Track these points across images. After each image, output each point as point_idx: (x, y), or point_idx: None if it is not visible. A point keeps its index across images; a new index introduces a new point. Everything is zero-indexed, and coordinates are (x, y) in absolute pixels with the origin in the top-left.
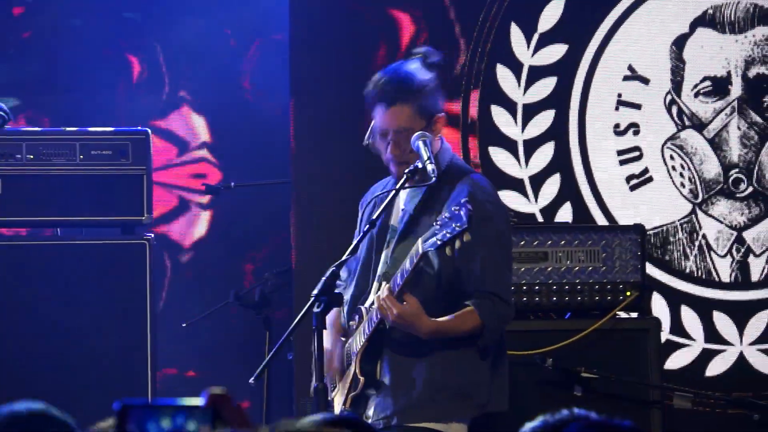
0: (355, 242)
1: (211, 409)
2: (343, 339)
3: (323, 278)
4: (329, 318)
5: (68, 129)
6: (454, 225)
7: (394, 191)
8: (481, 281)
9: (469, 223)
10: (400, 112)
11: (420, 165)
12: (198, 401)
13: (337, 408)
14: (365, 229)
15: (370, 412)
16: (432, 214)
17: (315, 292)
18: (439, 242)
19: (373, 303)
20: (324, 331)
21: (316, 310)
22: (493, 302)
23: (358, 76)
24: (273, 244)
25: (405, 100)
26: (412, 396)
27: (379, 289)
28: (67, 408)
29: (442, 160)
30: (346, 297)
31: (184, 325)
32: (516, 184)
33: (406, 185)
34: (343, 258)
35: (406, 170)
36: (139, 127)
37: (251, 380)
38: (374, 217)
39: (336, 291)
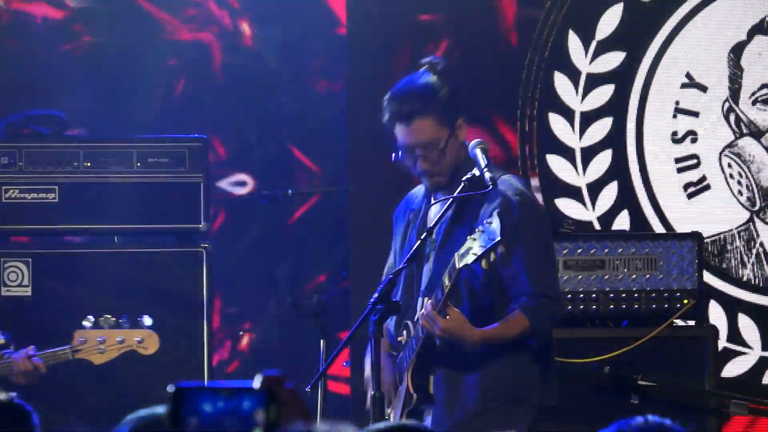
0: (412, 250)
1: (266, 391)
2: (393, 354)
3: (380, 286)
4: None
5: (126, 136)
6: (488, 238)
7: (451, 199)
8: (525, 283)
9: (502, 235)
10: (421, 125)
11: (477, 173)
12: (254, 383)
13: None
14: (423, 237)
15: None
16: (465, 223)
17: (372, 299)
18: (474, 257)
19: (418, 318)
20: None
21: (373, 317)
22: (541, 302)
23: None
24: (331, 253)
25: (424, 113)
26: (467, 408)
27: (422, 304)
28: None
29: (465, 165)
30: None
31: (240, 333)
32: (573, 192)
33: (464, 193)
34: (400, 266)
35: (464, 179)
36: (196, 134)
37: (307, 388)
38: (430, 225)
39: (393, 299)
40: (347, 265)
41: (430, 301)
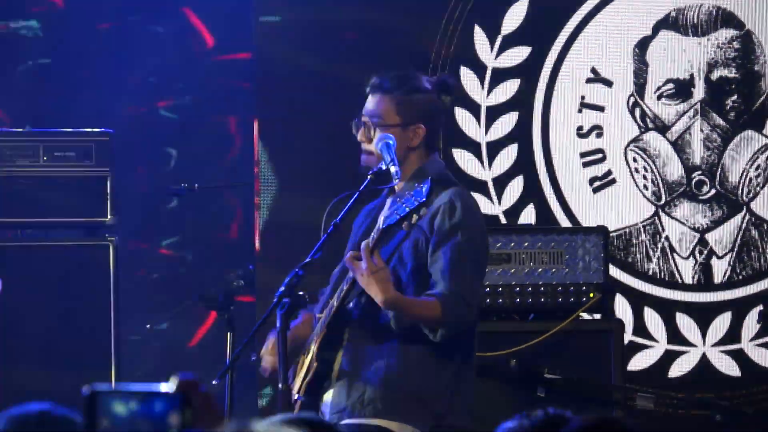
0: (318, 243)
1: (180, 394)
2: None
3: (287, 279)
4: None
5: (32, 130)
6: (413, 199)
7: (357, 193)
8: (447, 281)
9: (427, 198)
10: (381, 101)
11: (384, 167)
12: (167, 387)
13: (294, 395)
14: (331, 231)
15: (326, 405)
16: (414, 222)
17: (278, 293)
18: (397, 216)
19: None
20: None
21: (279, 311)
22: (456, 302)
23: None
24: (237, 244)
25: (390, 92)
26: (367, 390)
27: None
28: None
29: (429, 171)
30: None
31: (148, 327)
32: (479, 186)
33: (371, 186)
34: (306, 259)
35: (369, 172)
36: (103, 129)
37: (214, 381)
38: (338, 219)
39: (300, 293)
40: (254, 257)
41: (366, 241)
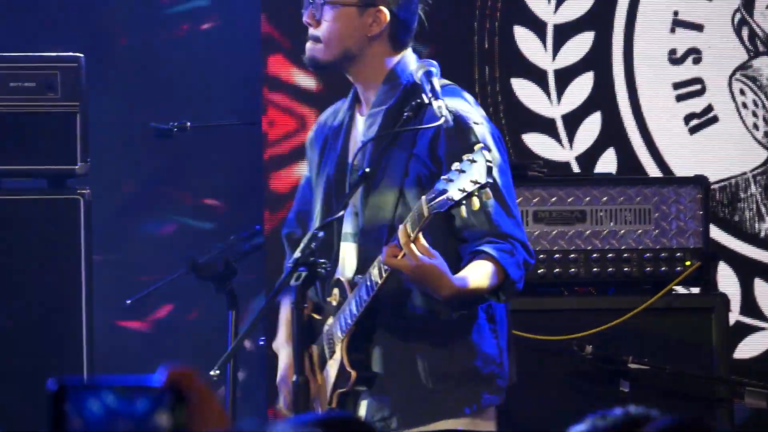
0: (343, 197)
1: (171, 389)
2: (317, 317)
3: (302, 243)
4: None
5: None
6: (469, 180)
7: (392, 134)
8: (487, 224)
9: (489, 177)
10: None
11: (426, 99)
12: (154, 380)
13: (322, 407)
14: (356, 183)
15: (362, 412)
16: (406, 148)
17: (292, 260)
18: (451, 202)
19: (356, 274)
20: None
21: (294, 283)
22: (512, 245)
23: None
24: (240, 200)
25: None
26: (413, 391)
27: (360, 258)
28: None
29: (396, 75)
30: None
31: (128, 302)
32: (545, 125)
33: (409, 126)
34: (327, 219)
35: (406, 110)
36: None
37: (212, 372)
38: (366, 168)
39: (320, 260)
40: (261, 216)
41: (405, 225)
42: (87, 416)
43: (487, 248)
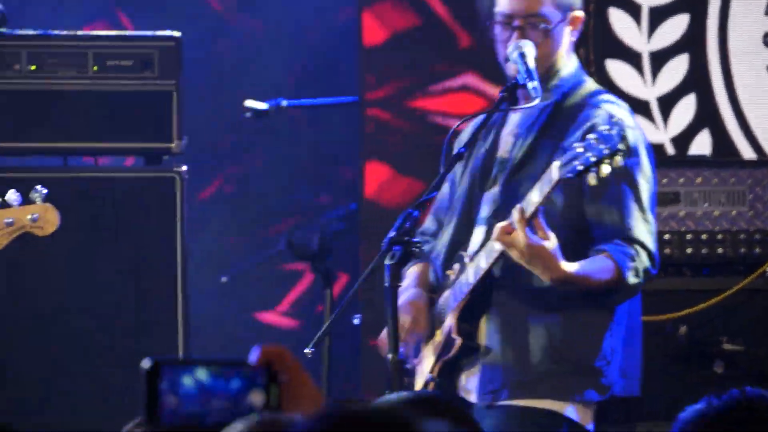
0: (437, 178)
1: (264, 368)
2: (434, 296)
3: (397, 222)
4: (412, 275)
5: (79, 33)
6: (602, 147)
7: (486, 113)
8: (620, 225)
9: (621, 144)
10: None
11: (520, 81)
12: (248, 359)
13: (421, 377)
14: (452, 161)
15: (471, 383)
16: (555, 141)
17: (387, 239)
18: (581, 167)
19: (478, 250)
20: (403, 286)
21: (389, 262)
22: (637, 252)
23: None
24: (337, 180)
25: None
26: (527, 366)
27: (486, 237)
28: (86, 361)
29: (567, 74)
30: (440, 247)
31: (224, 279)
32: (640, 107)
33: (504, 107)
34: (423, 198)
35: (501, 90)
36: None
37: (307, 350)
38: (463, 145)
39: (415, 239)
40: (357, 194)
41: (519, 207)
42: (181, 394)
43: (609, 247)
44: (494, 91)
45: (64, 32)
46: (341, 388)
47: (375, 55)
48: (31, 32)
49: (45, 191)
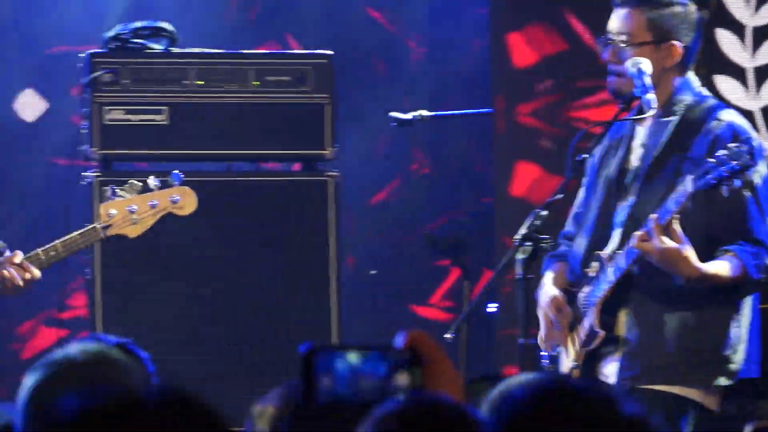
0: (563, 182)
1: (408, 351)
2: (572, 290)
3: (528, 220)
4: (550, 277)
5: (242, 52)
6: (733, 162)
7: (607, 124)
8: (744, 227)
9: (749, 159)
10: (630, 15)
11: (636, 94)
12: (393, 342)
13: (566, 366)
14: (575, 166)
15: (610, 369)
16: (682, 152)
17: (519, 236)
18: (714, 181)
19: (615, 251)
20: (542, 288)
21: (521, 256)
22: (759, 251)
23: None
24: (471, 182)
25: (641, 5)
26: (662, 355)
27: (622, 239)
28: (242, 352)
29: (681, 93)
30: (579, 248)
31: (373, 272)
32: (745, 117)
33: (622, 117)
34: (550, 198)
35: (620, 102)
36: (322, 50)
37: (447, 335)
38: (639, 152)
39: (543, 236)
40: (492, 192)
41: (655, 216)
42: (335, 375)
43: (734, 248)
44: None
45: (228, 51)
46: (477, 371)
47: (524, 73)
48: (198, 50)
49: (182, 175)
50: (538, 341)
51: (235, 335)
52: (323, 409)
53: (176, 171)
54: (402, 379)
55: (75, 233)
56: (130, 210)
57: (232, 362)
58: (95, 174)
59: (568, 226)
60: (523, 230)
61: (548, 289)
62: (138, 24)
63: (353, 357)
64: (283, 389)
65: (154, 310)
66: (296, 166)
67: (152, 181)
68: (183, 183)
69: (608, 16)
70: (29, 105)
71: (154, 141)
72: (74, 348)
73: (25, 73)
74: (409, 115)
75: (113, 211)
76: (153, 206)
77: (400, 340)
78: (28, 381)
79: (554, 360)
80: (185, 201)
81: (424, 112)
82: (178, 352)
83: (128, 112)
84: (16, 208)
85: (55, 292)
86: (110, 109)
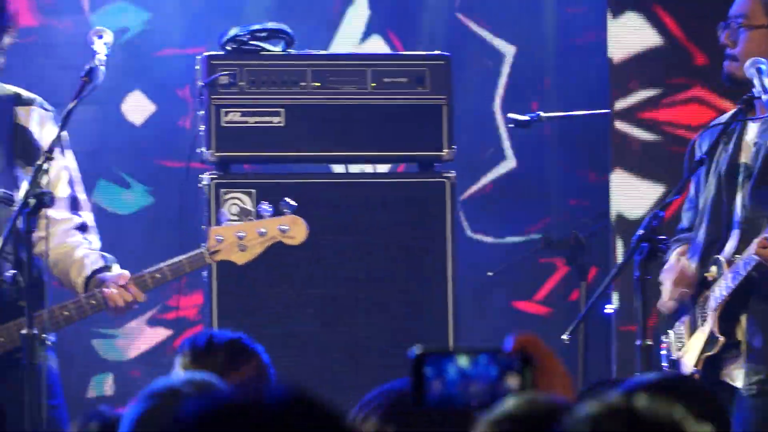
0: (681, 182)
1: (519, 353)
2: (687, 292)
3: (645, 221)
4: (675, 252)
5: (359, 53)
6: None
7: (724, 124)
8: None
9: None
10: None
11: (755, 94)
12: (504, 345)
13: (686, 369)
14: (694, 166)
15: (736, 376)
16: None
17: (636, 236)
18: None
19: (735, 254)
20: (668, 261)
21: (638, 257)
22: None
23: None
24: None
25: None
26: None
27: (740, 242)
28: (359, 355)
29: None
30: (695, 245)
31: (489, 274)
32: None
33: (741, 117)
34: (668, 199)
35: (738, 102)
36: (439, 52)
37: (564, 337)
38: (704, 152)
39: (660, 237)
40: (607, 193)
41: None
42: (445, 379)
43: None
44: (719, 102)
45: (345, 52)
46: (595, 372)
47: (621, 70)
48: (315, 52)
49: (294, 204)
50: (658, 305)
51: (350, 337)
52: (434, 411)
53: (287, 199)
54: (513, 381)
55: (183, 258)
56: (238, 236)
57: (348, 365)
58: (212, 176)
59: (683, 222)
60: (640, 231)
61: (673, 257)
62: (255, 26)
63: (463, 361)
64: (391, 391)
65: (268, 312)
66: (399, 168)
67: (264, 206)
68: (294, 211)
69: (699, 12)
70: (137, 107)
71: (270, 143)
72: (178, 379)
73: (133, 76)
74: (526, 116)
75: (221, 237)
76: (262, 234)
77: (510, 343)
78: (132, 412)
79: (674, 364)
80: (295, 230)
81: (542, 113)
82: (293, 354)
83: (245, 114)
84: None
85: (158, 292)
86: (227, 112)
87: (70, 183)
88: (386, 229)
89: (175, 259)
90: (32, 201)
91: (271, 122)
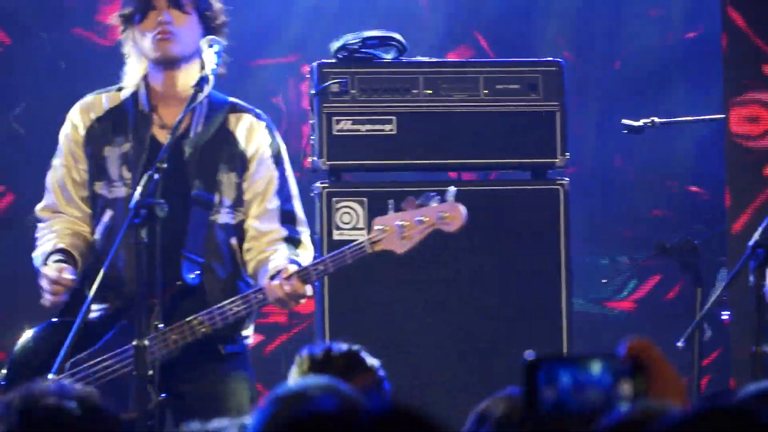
0: None
1: (632, 359)
2: None
3: (761, 227)
4: None
5: (471, 60)
6: None
7: None
8: None
9: None
10: None
11: None
12: (616, 351)
13: None
14: None
15: None
16: None
17: (752, 242)
18: None
19: None
20: None
21: (753, 262)
22: None
23: None
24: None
25: None
26: None
27: None
28: (474, 361)
29: None
30: None
31: (604, 281)
32: None
33: None
34: None
35: None
36: (552, 58)
37: (679, 343)
38: None
39: None
40: (723, 203)
41: None
42: (558, 387)
43: None
44: None
45: (457, 60)
46: (711, 379)
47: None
48: (427, 59)
49: (455, 189)
50: None
51: (466, 343)
52: (549, 418)
53: (453, 187)
54: (626, 387)
55: (345, 249)
56: (399, 226)
57: (463, 370)
58: (323, 185)
59: None
60: (756, 236)
61: None
62: (367, 34)
63: (576, 367)
64: (512, 395)
65: (382, 318)
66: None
67: (422, 198)
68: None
69: None
70: None
71: (382, 151)
72: (303, 383)
73: (229, 86)
74: (640, 122)
75: (381, 227)
76: (420, 222)
77: (622, 349)
78: (260, 415)
79: None
80: (452, 216)
81: (656, 119)
82: (406, 361)
83: (356, 122)
84: None
85: None
86: (338, 120)
87: (279, 194)
88: (500, 236)
89: (337, 252)
90: (142, 211)
91: (382, 130)
